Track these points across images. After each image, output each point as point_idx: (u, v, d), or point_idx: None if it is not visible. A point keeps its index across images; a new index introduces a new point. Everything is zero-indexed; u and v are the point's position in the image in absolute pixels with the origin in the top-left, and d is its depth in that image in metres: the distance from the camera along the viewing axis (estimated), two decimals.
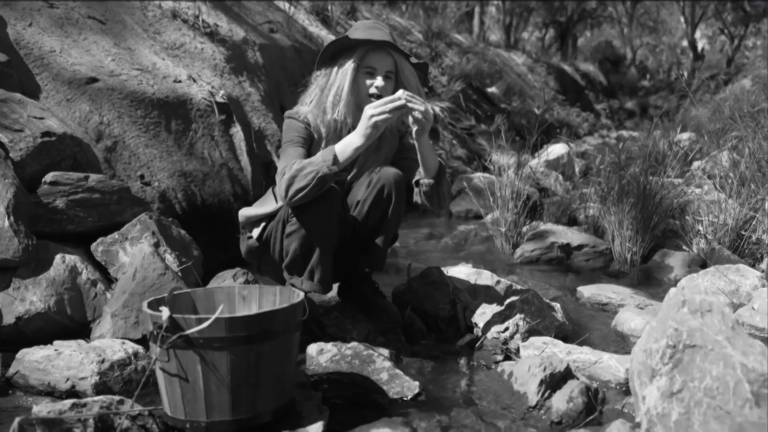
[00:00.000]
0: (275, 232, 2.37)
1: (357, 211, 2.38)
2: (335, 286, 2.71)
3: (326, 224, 2.26)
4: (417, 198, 2.43)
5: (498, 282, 2.79)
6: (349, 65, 2.34)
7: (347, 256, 2.47)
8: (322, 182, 2.15)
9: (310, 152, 2.37)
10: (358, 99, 2.38)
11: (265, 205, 2.48)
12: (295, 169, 2.16)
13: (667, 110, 11.19)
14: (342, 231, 2.35)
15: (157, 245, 2.73)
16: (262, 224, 2.44)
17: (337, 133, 2.41)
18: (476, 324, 2.59)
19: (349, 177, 2.47)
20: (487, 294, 2.70)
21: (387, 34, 2.39)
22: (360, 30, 2.40)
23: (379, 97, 2.34)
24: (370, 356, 2.18)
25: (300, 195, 2.16)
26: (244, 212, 2.51)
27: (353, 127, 2.38)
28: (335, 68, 2.38)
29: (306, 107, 2.43)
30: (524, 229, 4.40)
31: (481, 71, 11.92)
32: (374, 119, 2.11)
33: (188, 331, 1.61)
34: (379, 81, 2.35)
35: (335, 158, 2.15)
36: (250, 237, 2.47)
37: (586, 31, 37.16)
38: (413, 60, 2.44)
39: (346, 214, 2.38)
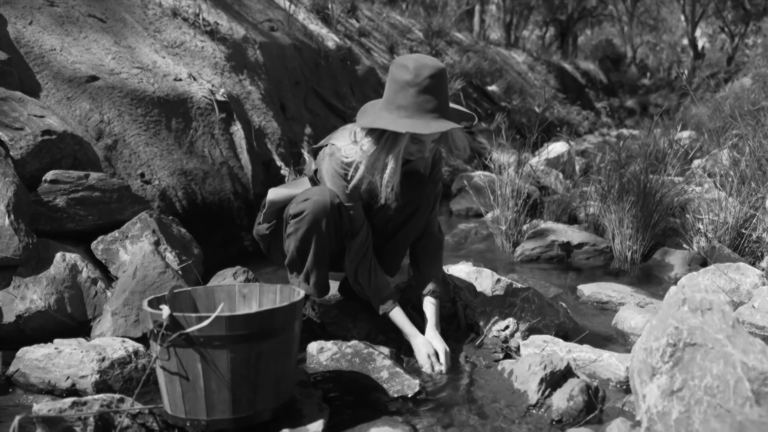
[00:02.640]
0: (282, 227, 2.39)
1: (381, 214, 2.40)
2: (335, 285, 2.72)
3: (319, 232, 2.27)
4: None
5: (498, 280, 2.79)
6: (401, 148, 2.20)
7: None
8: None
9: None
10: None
11: (299, 187, 2.46)
12: (366, 272, 2.36)
13: (667, 108, 11.18)
14: (339, 237, 2.35)
15: (157, 243, 2.73)
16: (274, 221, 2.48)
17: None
18: (477, 322, 2.59)
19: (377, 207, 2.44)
20: (486, 292, 2.70)
21: (442, 99, 2.15)
22: (413, 93, 2.11)
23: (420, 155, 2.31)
24: (370, 354, 2.18)
25: (352, 276, 2.39)
26: (272, 195, 2.45)
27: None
28: (384, 144, 2.20)
29: (354, 169, 2.27)
30: (524, 227, 4.40)
31: (482, 69, 11.91)
32: (427, 363, 2.26)
33: (188, 330, 1.61)
34: (425, 152, 2.27)
35: (384, 314, 2.37)
36: (260, 223, 2.51)
37: (587, 29, 37.14)
38: (463, 122, 2.27)
39: (342, 221, 2.36)
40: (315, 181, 2.46)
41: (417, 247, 2.54)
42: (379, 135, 2.20)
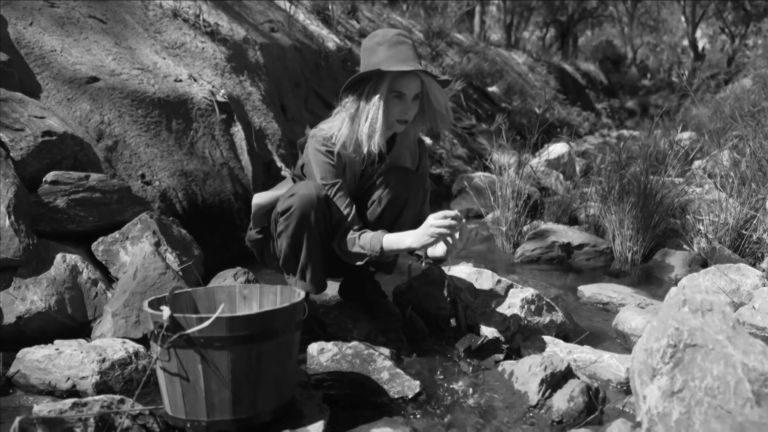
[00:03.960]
0: (271, 229, 2.38)
1: (371, 210, 2.39)
2: (335, 285, 2.72)
3: (308, 225, 2.27)
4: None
5: (499, 281, 2.79)
6: (381, 95, 2.26)
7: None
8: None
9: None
10: (387, 123, 2.33)
11: (284, 188, 2.47)
12: (349, 238, 2.32)
13: (667, 109, 11.18)
14: (329, 230, 2.35)
15: (157, 244, 2.73)
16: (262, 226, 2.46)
17: (370, 159, 2.38)
18: (477, 323, 2.59)
19: (366, 186, 2.45)
20: (487, 293, 2.70)
21: (412, 52, 2.31)
22: (385, 47, 2.29)
23: (406, 122, 2.34)
24: (370, 355, 2.18)
25: (343, 257, 2.36)
26: (257, 199, 2.48)
27: (383, 150, 2.35)
28: (364, 96, 2.29)
29: (337, 132, 2.35)
30: (525, 228, 4.40)
31: (482, 70, 11.91)
32: (434, 230, 2.16)
33: (189, 331, 1.61)
34: (409, 107, 2.31)
35: (382, 250, 2.27)
36: (251, 228, 2.50)
37: (587, 30, 37.15)
38: (438, 78, 2.38)
39: (332, 213, 2.36)
40: (301, 178, 2.46)
41: None
42: (359, 92, 2.30)
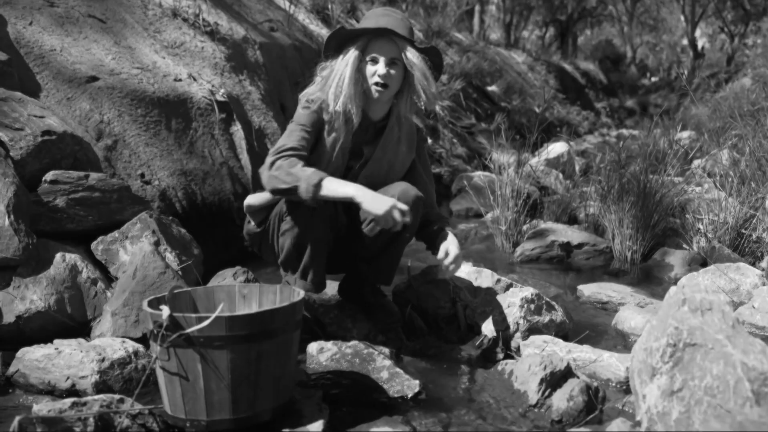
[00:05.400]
0: (273, 225, 2.37)
1: (369, 227, 2.33)
2: (335, 285, 2.72)
3: (316, 227, 2.26)
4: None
5: (498, 281, 2.79)
6: (351, 55, 2.31)
7: (349, 257, 2.46)
8: (297, 198, 2.15)
9: (317, 138, 2.35)
10: (364, 88, 2.35)
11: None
12: (284, 167, 2.15)
13: (667, 109, 11.18)
14: (335, 231, 2.35)
15: (157, 244, 2.73)
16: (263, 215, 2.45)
17: (343, 120, 2.36)
18: (477, 322, 2.59)
19: (357, 165, 2.44)
20: (487, 292, 2.70)
21: (396, 20, 2.33)
22: (370, 18, 2.37)
23: (384, 85, 2.32)
24: (370, 355, 2.18)
25: (275, 192, 2.20)
26: (248, 201, 2.47)
27: (360, 116, 2.36)
28: (339, 59, 2.35)
29: (311, 95, 2.39)
30: (524, 227, 4.40)
31: (482, 70, 11.90)
32: (395, 211, 2.10)
33: (188, 330, 1.61)
34: (381, 68, 2.31)
35: (317, 188, 2.11)
36: (249, 222, 2.49)
37: (587, 29, 37.13)
38: (420, 45, 2.38)
39: (338, 215, 2.36)
40: None
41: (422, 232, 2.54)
42: (332, 63, 2.35)
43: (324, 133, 2.36)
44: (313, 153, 2.35)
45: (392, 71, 2.33)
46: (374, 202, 2.11)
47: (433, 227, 2.49)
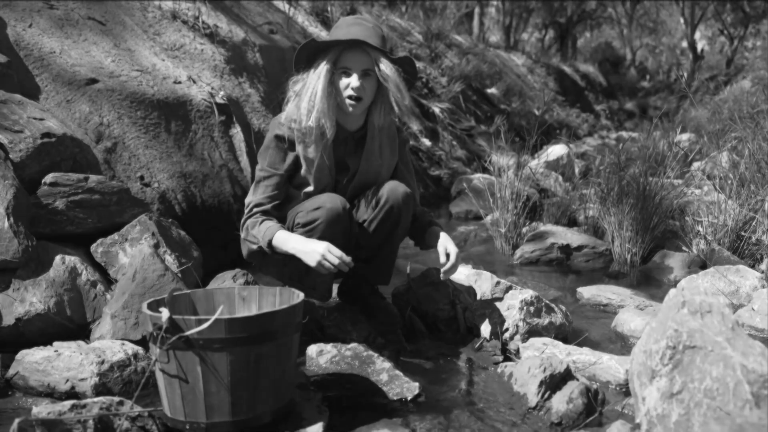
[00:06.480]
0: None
1: (363, 228, 2.37)
2: (335, 287, 2.72)
3: (330, 240, 2.24)
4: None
5: (498, 283, 2.79)
6: (323, 68, 2.26)
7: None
8: (262, 251, 2.32)
9: (290, 165, 2.37)
10: (338, 101, 2.32)
11: None
12: (249, 228, 2.34)
13: (666, 111, 11.18)
14: (347, 244, 2.34)
15: (156, 246, 2.73)
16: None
17: (318, 134, 2.33)
18: (476, 325, 2.59)
19: (345, 180, 2.44)
20: (486, 295, 2.70)
21: (367, 30, 2.27)
22: (341, 28, 2.31)
23: (357, 98, 2.29)
24: (370, 357, 2.18)
25: (249, 256, 2.44)
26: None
27: (335, 129, 2.32)
28: (311, 72, 2.30)
29: (284, 114, 2.37)
30: (524, 230, 4.40)
31: (481, 72, 11.91)
32: (324, 260, 2.16)
33: (188, 332, 1.61)
34: (354, 81, 2.27)
35: (270, 246, 2.27)
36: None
37: (586, 32, 37.19)
38: (394, 56, 2.34)
39: (353, 229, 2.36)
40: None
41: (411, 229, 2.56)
42: (304, 77, 2.34)
43: (300, 152, 2.35)
44: (295, 178, 2.39)
45: (365, 84, 2.29)
46: (306, 255, 2.20)
47: (419, 222, 2.52)
